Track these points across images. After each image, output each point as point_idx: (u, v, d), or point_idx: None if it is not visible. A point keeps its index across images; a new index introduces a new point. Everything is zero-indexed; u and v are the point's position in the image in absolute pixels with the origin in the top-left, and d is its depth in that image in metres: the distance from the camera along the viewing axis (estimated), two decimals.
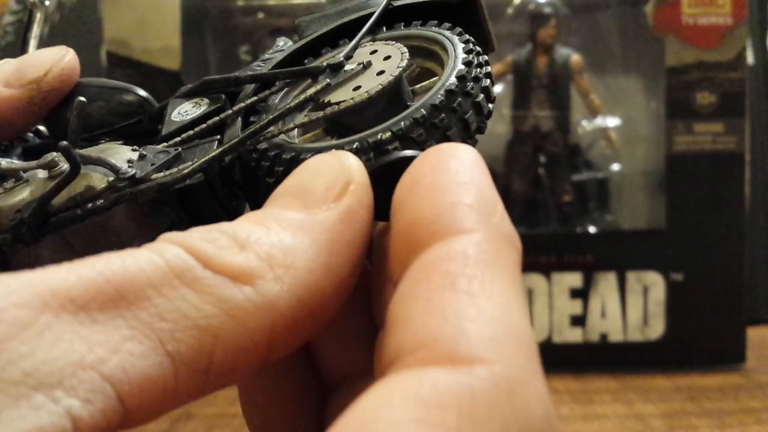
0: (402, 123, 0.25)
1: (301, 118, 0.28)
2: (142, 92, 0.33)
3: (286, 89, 0.30)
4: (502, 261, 0.20)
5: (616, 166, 1.00)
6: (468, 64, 0.27)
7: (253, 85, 0.30)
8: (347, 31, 0.31)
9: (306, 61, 0.31)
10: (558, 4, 0.98)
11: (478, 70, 0.27)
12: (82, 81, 0.32)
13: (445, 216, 0.21)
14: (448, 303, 0.19)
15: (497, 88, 1.01)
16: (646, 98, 0.98)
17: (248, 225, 0.21)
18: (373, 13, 0.30)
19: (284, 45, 0.32)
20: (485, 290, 0.19)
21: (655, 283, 0.90)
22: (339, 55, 0.29)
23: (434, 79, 0.28)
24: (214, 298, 0.20)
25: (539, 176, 0.98)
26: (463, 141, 0.25)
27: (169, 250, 0.20)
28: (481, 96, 0.26)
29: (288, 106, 0.27)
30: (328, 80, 0.28)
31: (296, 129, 0.28)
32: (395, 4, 0.31)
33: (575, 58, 0.98)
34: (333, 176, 0.23)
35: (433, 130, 0.25)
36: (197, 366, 0.19)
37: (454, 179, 0.22)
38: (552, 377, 0.86)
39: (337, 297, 0.22)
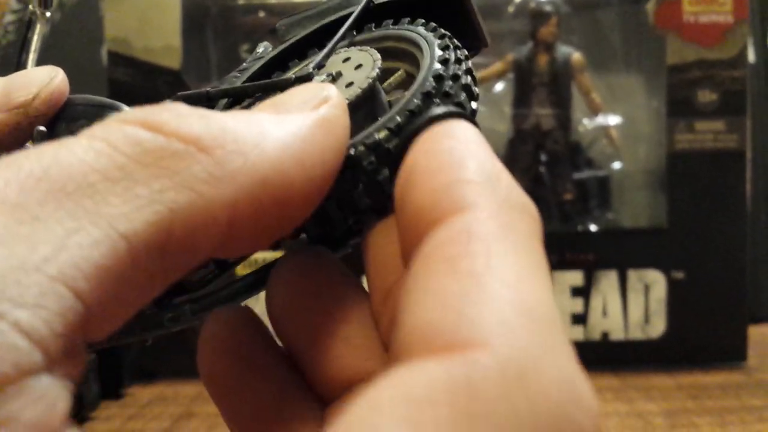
0: (375, 134, 0.23)
1: None
2: (126, 109, 0.31)
3: (258, 103, 0.28)
4: (512, 232, 0.18)
5: (617, 165, 1.00)
6: (444, 62, 0.25)
7: (225, 100, 0.29)
8: (331, 32, 0.29)
9: (290, 64, 0.30)
10: (559, 3, 0.98)
11: (457, 67, 0.25)
12: (71, 98, 0.31)
13: (443, 197, 0.19)
14: (449, 288, 0.17)
15: (498, 87, 1.01)
16: (647, 96, 0.98)
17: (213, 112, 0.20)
18: (353, 12, 0.28)
19: (264, 52, 0.31)
20: (492, 267, 0.17)
21: (656, 282, 0.90)
22: (309, 65, 0.27)
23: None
24: (167, 171, 0.18)
25: (540, 174, 0.98)
26: None
27: (113, 129, 0.18)
28: (463, 96, 0.24)
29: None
30: None
31: None
32: (377, 1, 0.29)
33: (576, 56, 0.97)
34: (310, 93, 0.22)
35: (409, 137, 0.23)
36: (155, 244, 0.17)
37: (449, 159, 0.20)
38: None
39: (305, 198, 0.20)
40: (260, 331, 0.25)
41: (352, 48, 0.27)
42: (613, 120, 1.00)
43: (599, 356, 0.90)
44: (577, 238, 0.92)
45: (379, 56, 0.26)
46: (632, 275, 0.90)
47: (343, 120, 0.22)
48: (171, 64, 0.89)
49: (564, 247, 0.90)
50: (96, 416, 0.75)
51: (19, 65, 0.35)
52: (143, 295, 0.18)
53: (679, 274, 0.90)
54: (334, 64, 0.27)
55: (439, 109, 0.21)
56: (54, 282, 0.16)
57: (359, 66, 0.26)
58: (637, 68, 1.00)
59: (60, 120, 0.30)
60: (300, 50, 0.30)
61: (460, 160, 0.20)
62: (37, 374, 0.15)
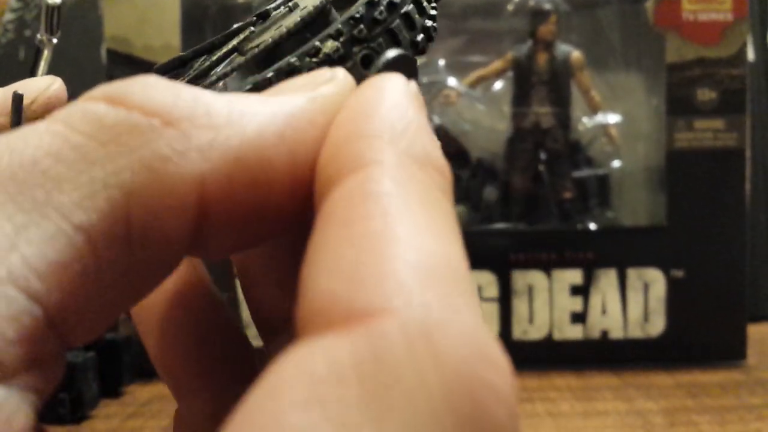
0: (315, 42, 0.22)
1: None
2: None
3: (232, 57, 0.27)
4: (411, 187, 0.17)
5: (616, 163, 1.00)
6: None
7: (199, 61, 0.28)
8: None
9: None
10: (558, 1, 0.98)
11: None
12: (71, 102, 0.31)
13: (342, 153, 0.17)
14: (345, 254, 0.15)
15: (497, 85, 1.01)
16: (647, 95, 0.98)
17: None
18: None
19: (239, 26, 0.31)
20: (388, 227, 0.15)
21: (655, 280, 0.90)
22: (270, 6, 0.26)
23: None
24: (125, 147, 0.16)
25: (540, 173, 0.98)
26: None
27: (72, 109, 0.16)
28: (411, 6, 0.24)
29: (210, 62, 0.25)
30: (251, 28, 0.25)
31: (221, 81, 0.25)
32: None
33: (576, 54, 0.97)
34: (314, 76, 0.20)
35: (354, 43, 0.22)
36: (115, 233, 0.16)
37: (360, 110, 0.18)
38: (552, 374, 0.86)
39: (289, 181, 0.18)
40: (207, 295, 0.24)
41: None
42: (612, 118, 1.00)
43: (598, 355, 0.90)
44: (577, 236, 0.92)
45: None
46: (632, 274, 0.90)
47: (342, 98, 0.20)
48: None
49: (563, 246, 0.90)
50: (95, 415, 0.75)
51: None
52: (122, 293, 0.17)
53: (678, 273, 0.90)
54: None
55: (390, 53, 0.21)
56: (2, 285, 0.14)
57: None
58: (637, 67, 1.00)
59: None
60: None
61: (369, 112, 0.18)
62: None
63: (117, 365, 0.81)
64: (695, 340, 0.90)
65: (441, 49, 1.01)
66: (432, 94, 1.00)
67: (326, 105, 0.19)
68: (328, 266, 0.15)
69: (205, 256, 0.20)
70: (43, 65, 0.36)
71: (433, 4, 0.25)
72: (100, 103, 0.17)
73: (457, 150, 0.99)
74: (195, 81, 0.25)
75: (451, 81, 1.01)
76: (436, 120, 1.00)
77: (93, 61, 0.99)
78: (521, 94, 0.98)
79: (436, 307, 0.14)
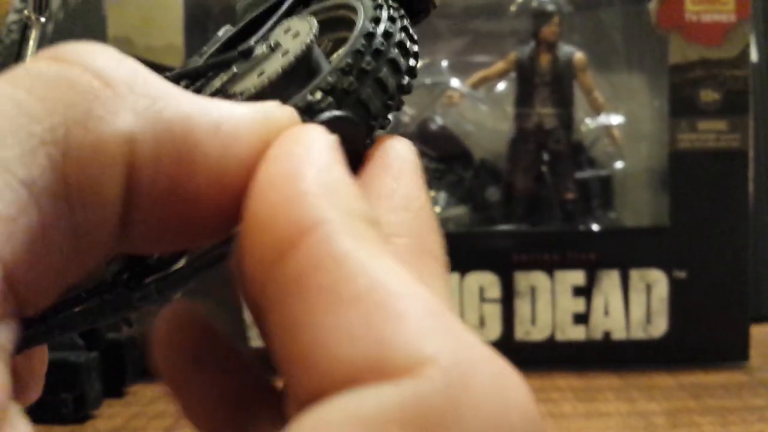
0: (307, 96, 0.22)
1: None
2: None
3: (209, 83, 0.27)
4: (368, 241, 0.17)
5: (619, 164, 1.00)
6: (375, 20, 0.24)
7: (183, 82, 0.28)
8: (290, 8, 0.28)
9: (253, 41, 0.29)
10: (561, 2, 0.98)
11: (389, 24, 0.24)
12: None
13: (288, 215, 0.17)
14: (350, 319, 0.16)
15: (500, 86, 1.01)
16: (650, 96, 0.98)
17: None
18: None
19: (224, 35, 0.30)
20: (376, 283, 0.16)
21: (658, 281, 0.90)
22: (251, 39, 0.27)
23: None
24: (64, 104, 0.16)
25: (542, 174, 0.98)
26: (383, 103, 0.24)
27: (20, 69, 0.17)
28: (396, 51, 0.24)
29: None
30: (234, 70, 0.26)
31: None
32: None
33: (579, 55, 0.97)
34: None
35: (344, 96, 0.23)
36: (55, 189, 0.16)
37: (289, 165, 0.18)
38: (555, 375, 0.86)
39: (213, 171, 0.18)
40: (209, 329, 0.24)
41: (295, 19, 0.27)
42: (615, 119, 1.00)
43: (601, 356, 0.90)
44: (579, 237, 0.92)
45: (316, 24, 0.25)
46: (634, 275, 0.90)
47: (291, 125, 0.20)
48: (173, 63, 0.89)
49: (566, 247, 0.90)
50: (98, 414, 0.75)
51: None
52: (68, 258, 0.17)
53: (681, 274, 0.90)
54: (276, 36, 0.26)
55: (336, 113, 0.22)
56: None
57: (297, 35, 0.25)
58: (640, 67, 1.00)
59: None
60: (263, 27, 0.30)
61: (298, 168, 0.18)
62: None
63: (120, 365, 0.81)
64: (698, 342, 0.90)
65: (444, 50, 1.01)
66: (435, 95, 1.00)
67: (272, 126, 0.19)
68: (339, 333, 0.15)
69: (133, 248, 0.20)
70: (32, 45, 0.36)
71: (415, 40, 0.26)
72: (44, 60, 0.17)
73: (459, 151, 0.99)
74: None
75: (454, 82, 1.01)
76: (439, 121, 1.00)
77: None
78: (524, 95, 0.98)
79: (464, 353, 0.15)
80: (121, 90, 0.17)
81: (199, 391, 0.24)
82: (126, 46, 0.89)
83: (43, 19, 0.36)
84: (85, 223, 0.17)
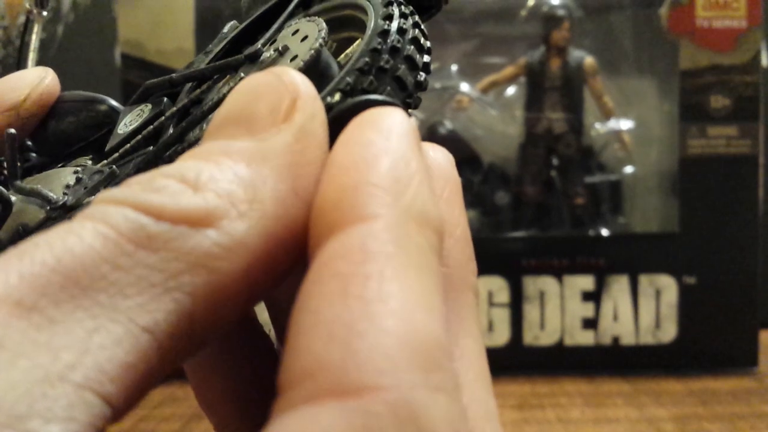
0: (327, 98, 0.22)
1: None
2: (112, 102, 0.31)
3: (217, 85, 0.27)
4: (409, 250, 0.17)
5: (629, 169, 1.00)
6: (388, 18, 0.24)
7: (189, 84, 0.28)
8: (302, 4, 0.28)
9: (259, 38, 0.29)
10: (572, 7, 0.98)
11: (402, 21, 0.24)
12: (62, 95, 0.31)
13: (345, 200, 0.18)
14: (338, 315, 0.16)
15: (510, 90, 1.01)
16: (660, 101, 0.98)
17: (195, 163, 0.18)
18: None
19: (228, 31, 0.30)
20: (383, 292, 0.16)
21: (667, 287, 0.89)
22: (258, 42, 0.26)
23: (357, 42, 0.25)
24: (177, 253, 0.17)
25: (552, 179, 0.98)
26: (402, 101, 0.23)
27: (112, 213, 0.17)
28: (411, 47, 0.24)
29: (202, 111, 0.25)
30: (242, 74, 0.25)
31: None
32: None
33: (589, 60, 0.97)
34: (275, 95, 0.20)
35: (361, 93, 0.23)
36: (180, 332, 0.17)
37: (364, 153, 0.19)
38: (564, 380, 0.86)
39: (304, 220, 0.19)
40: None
41: (302, 20, 0.27)
42: (625, 124, 1.00)
43: (610, 361, 0.89)
44: (589, 242, 0.92)
45: (324, 26, 0.25)
46: (643, 280, 0.90)
47: (320, 114, 0.20)
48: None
49: (575, 252, 0.90)
50: None
51: (20, 65, 0.35)
52: (165, 374, 0.17)
53: (690, 279, 0.89)
54: (283, 38, 0.26)
55: (374, 96, 0.21)
56: (81, 390, 0.15)
57: (305, 38, 0.25)
58: (650, 73, 1.00)
59: (50, 118, 0.30)
60: (269, 25, 0.29)
61: (374, 158, 0.18)
62: None
63: None
64: (707, 347, 0.89)
65: (454, 54, 1.01)
66: (444, 99, 1.00)
67: (311, 138, 0.20)
68: (322, 326, 0.16)
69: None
70: (34, 39, 0.36)
71: (427, 36, 0.25)
72: (137, 212, 0.17)
73: (469, 155, 0.99)
74: (187, 130, 0.25)
75: (464, 86, 1.01)
76: (448, 125, 1.00)
77: (107, 63, 0.99)
78: (534, 100, 0.98)
79: (420, 388, 0.15)
80: (222, 225, 0.18)
81: (218, 378, 0.24)
82: (136, 49, 0.89)
83: (45, 13, 0.36)
84: (204, 340, 0.18)
